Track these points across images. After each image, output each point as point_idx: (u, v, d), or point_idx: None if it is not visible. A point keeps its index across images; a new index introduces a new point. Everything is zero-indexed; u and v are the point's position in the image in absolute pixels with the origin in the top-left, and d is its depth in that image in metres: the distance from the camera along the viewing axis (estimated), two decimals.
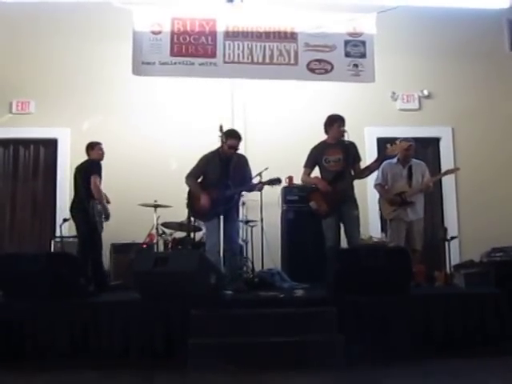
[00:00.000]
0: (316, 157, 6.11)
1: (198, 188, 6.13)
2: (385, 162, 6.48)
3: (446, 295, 5.40)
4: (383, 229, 7.80)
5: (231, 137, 6.06)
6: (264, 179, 6.29)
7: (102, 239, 6.35)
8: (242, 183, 6.08)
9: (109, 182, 6.57)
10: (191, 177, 6.19)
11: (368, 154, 7.53)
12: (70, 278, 5.12)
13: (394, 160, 6.56)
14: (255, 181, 6.28)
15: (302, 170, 6.27)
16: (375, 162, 6.18)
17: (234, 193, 6.03)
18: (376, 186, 6.70)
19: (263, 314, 4.86)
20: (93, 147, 6.52)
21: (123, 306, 4.98)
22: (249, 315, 4.85)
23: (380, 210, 6.81)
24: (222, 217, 6.01)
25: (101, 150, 6.51)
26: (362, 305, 4.93)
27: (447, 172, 7.10)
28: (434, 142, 8.56)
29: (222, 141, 6.04)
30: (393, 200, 6.48)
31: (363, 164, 6.19)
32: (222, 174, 6.03)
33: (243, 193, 6.63)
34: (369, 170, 6.13)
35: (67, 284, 5.06)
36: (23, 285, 5.01)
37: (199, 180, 6.22)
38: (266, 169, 6.54)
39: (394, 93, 8.49)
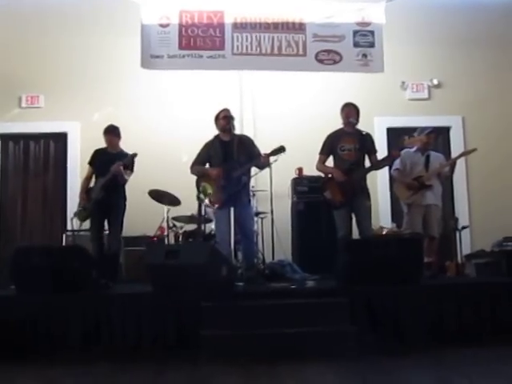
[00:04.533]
0: (332, 144, 6.10)
1: (205, 168, 6.11)
2: (404, 150, 6.47)
3: (458, 285, 5.38)
4: (394, 219, 7.80)
5: (221, 111, 6.14)
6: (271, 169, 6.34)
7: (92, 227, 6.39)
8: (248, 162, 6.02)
9: None
10: (195, 164, 6.18)
11: (378, 144, 7.44)
12: (82, 271, 5.15)
13: (413, 148, 6.51)
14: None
15: (312, 161, 6.26)
16: (394, 151, 6.20)
17: (241, 172, 5.94)
18: (394, 170, 6.62)
19: (275, 305, 4.87)
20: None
21: (135, 299, 5.01)
22: (260, 307, 4.85)
23: (396, 195, 6.74)
24: (232, 207, 5.97)
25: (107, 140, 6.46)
26: (373, 295, 4.93)
27: (464, 153, 6.97)
28: (444, 131, 8.50)
29: (216, 123, 6.15)
30: (410, 184, 6.40)
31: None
32: (225, 156, 6.01)
33: (252, 184, 6.61)
34: (386, 161, 6.14)
35: (79, 277, 5.09)
36: (35, 278, 5.03)
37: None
38: (276, 160, 6.53)
39: (403, 82, 8.45)
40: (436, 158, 6.63)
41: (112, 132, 6.44)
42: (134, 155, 6.25)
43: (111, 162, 6.21)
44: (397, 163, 6.51)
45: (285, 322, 4.65)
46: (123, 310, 4.91)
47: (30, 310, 4.87)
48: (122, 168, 6.17)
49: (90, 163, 6.49)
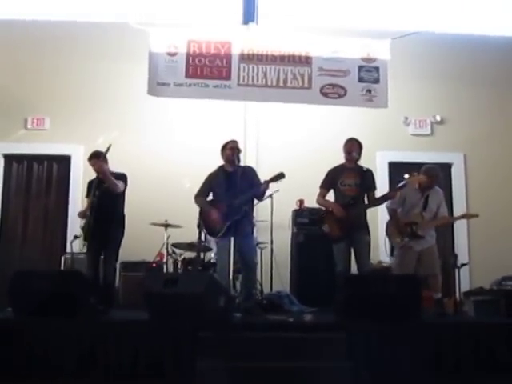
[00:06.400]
0: (333, 179, 6.13)
1: (207, 205, 6.14)
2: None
3: (457, 324, 5.36)
4: (393, 254, 7.79)
5: (228, 141, 6.18)
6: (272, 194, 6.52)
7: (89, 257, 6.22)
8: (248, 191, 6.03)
9: None
10: (199, 196, 6.23)
11: (380, 177, 7.55)
12: (80, 296, 5.14)
13: (415, 185, 6.32)
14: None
15: (313, 193, 6.29)
16: (392, 192, 6.19)
17: (242, 200, 5.92)
18: (388, 208, 6.50)
19: (272, 338, 4.84)
20: None
21: (132, 326, 4.98)
22: (257, 339, 4.82)
23: (387, 234, 6.62)
24: (232, 237, 5.99)
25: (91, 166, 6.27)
26: (371, 331, 4.90)
27: (464, 216, 6.95)
28: (446, 167, 8.53)
29: (222, 152, 6.18)
30: (403, 229, 6.29)
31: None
32: (229, 187, 6.02)
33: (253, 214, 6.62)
34: (384, 199, 6.15)
35: (77, 302, 5.08)
36: (33, 302, 5.02)
37: (209, 198, 6.24)
38: (277, 190, 6.59)
39: (406, 118, 8.52)
40: (435, 195, 6.44)
41: (94, 157, 6.26)
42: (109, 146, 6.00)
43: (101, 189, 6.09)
44: (394, 199, 6.33)
45: (282, 356, 4.62)
46: (120, 336, 4.87)
47: (26, 334, 4.85)
48: (104, 166, 6.05)
49: (87, 196, 6.35)
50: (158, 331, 4.86)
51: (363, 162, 6.29)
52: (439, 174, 6.49)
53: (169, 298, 4.94)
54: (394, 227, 6.42)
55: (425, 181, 6.27)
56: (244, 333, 4.95)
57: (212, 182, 6.18)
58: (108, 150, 6.01)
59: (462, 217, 6.95)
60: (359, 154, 6.14)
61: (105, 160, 6.15)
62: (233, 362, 4.56)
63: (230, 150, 6.11)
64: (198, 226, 6.32)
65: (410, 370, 4.79)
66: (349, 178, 6.05)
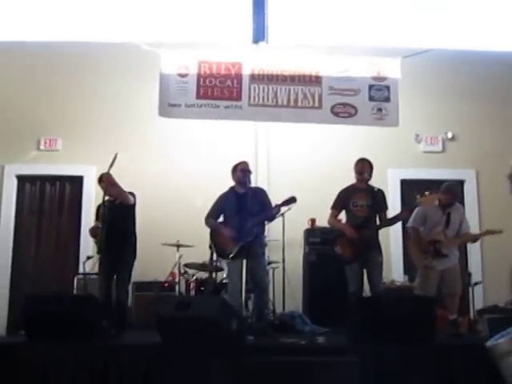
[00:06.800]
0: (344, 199, 6.13)
1: (218, 224, 6.16)
2: (426, 205, 6.20)
3: (471, 346, 5.30)
4: (406, 271, 7.75)
5: (239, 163, 6.20)
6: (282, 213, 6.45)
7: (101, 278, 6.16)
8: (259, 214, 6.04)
9: None
10: (210, 217, 6.25)
11: (392, 195, 7.55)
12: (93, 320, 5.15)
13: (436, 203, 6.25)
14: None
15: (325, 212, 6.29)
16: (403, 212, 6.17)
17: (253, 223, 5.96)
18: (410, 227, 6.41)
19: (284, 361, 4.80)
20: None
21: (144, 350, 4.98)
22: (269, 363, 4.78)
23: (409, 253, 6.55)
24: (245, 259, 5.99)
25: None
26: (384, 355, 4.86)
27: (488, 232, 6.73)
28: (458, 184, 8.49)
29: (233, 174, 6.22)
30: (425, 248, 6.18)
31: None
32: (239, 208, 6.05)
33: (265, 234, 6.63)
34: (396, 219, 6.13)
35: (90, 326, 5.09)
36: (46, 325, 5.05)
37: (220, 219, 6.26)
38: (289, 209, 6.58)
39: (417, 135, 8.49)
40: (456, 212, 6.37)
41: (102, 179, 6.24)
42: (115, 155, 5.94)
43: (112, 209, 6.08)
44: (416, 218, 6.29)
45: (294, 380, 4.59)
46: (132, 361, 4.87)
47: (38, 357, 4.86)
48: (111, 176, 6.03)
49: (97, 219, 6.34)
50: (170, 355, 4.85)
51: (375, 180, 6.29)
52: (459, 191, 6.47)
53: (181, 322, 4.93)
54: (417, 247, 6.33)
55: (445, 198, 6.22)
56: (256, 357, 4.92)
57: (223, 204, 6.21)
58: (114, 159, 5.96)
59: (486, 233, 6.74)
60: (370, 174, 6.14)
61: (110, 176, 6.12)
62: None
63: (241, 172, 6.13)
64: (210, 247, 6.33)
65: None
66: (360, 199, 6.04)
